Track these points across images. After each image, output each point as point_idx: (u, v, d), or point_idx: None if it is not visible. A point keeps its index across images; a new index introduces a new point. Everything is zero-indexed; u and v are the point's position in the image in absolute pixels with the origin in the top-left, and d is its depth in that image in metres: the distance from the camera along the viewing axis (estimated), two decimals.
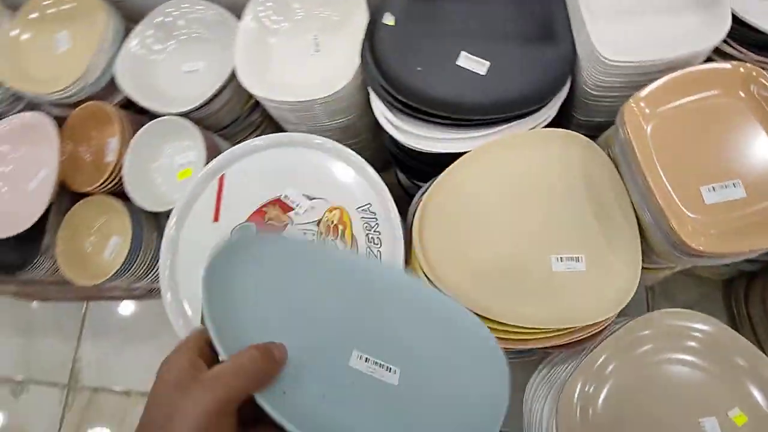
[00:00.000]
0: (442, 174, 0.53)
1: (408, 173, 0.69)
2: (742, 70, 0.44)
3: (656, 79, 0.46)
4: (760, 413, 0.48)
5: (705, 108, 0.46)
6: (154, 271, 0.73)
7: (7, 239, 0.67)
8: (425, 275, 0.50)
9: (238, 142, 0.57)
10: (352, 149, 0.54)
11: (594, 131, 0.57)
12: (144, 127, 0.65)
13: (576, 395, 0.49)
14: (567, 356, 0.57)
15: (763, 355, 0.49)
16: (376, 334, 0.37)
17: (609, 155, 0.53)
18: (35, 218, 0.65)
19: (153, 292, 0.92)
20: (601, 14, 0.50)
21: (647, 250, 0.51)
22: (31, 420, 0.92)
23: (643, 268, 0.57)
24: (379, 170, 0.55)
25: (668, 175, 0.45)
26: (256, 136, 0.57)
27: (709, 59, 0.51)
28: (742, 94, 0.45)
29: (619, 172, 0.51)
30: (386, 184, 0.54)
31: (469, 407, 0.35)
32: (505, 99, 0.53)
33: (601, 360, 0.50)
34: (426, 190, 0.55)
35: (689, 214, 0.44)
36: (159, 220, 0.73)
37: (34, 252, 0.68)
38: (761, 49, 0.50)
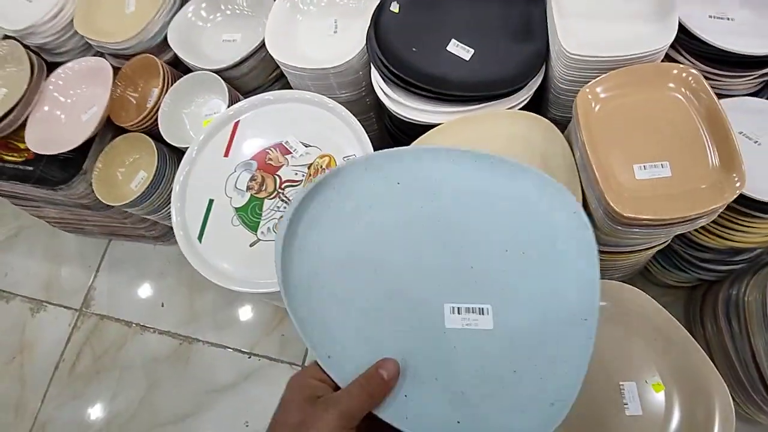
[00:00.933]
0: (419, 137, 0.62)
1: None
2: (675, 71, 0.52)
3: None
4: (677, 383, 0.52)
5: (646, 100, 0.53)
6: (168, 207, 0.83)
7: (56, 158, 0.79)
8: None
9: None
10: None
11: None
12: (183, 77, 0.77)
13: None
14: None
15: (685, 329, 0.54)
16: (453, 274, 0.37)
17: (569, 144, 0.60)
18: (79, 143, 0.77)
19: (167, 236, 1.02)
20: (570, 17, 0.58)
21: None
22: (43, 336, 1.03)
23: None
24: None
25: (606, 150, 0.52)
26: None
27: None
28: (676, 89, 0.52)
29: (573, 155, 0.58)
30: None
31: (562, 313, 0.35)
32: (483, 80, 0.61)
33: None
34: None
35: (619, 183, 0.50)
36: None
37: (75, 172, 0.80)
38: (709, 60, 0.57)
